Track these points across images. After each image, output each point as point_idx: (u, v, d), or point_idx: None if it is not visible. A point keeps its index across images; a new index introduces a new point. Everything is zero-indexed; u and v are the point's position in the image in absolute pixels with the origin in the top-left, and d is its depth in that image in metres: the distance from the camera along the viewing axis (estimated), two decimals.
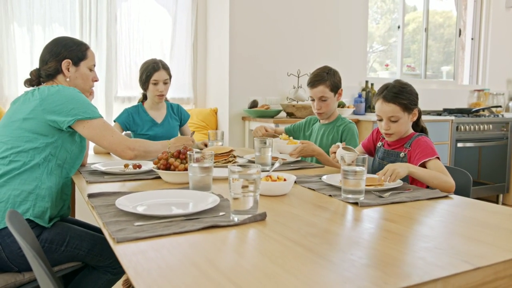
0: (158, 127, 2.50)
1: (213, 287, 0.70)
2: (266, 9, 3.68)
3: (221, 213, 1.13)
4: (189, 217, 1.09)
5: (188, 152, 1.39)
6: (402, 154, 1.77)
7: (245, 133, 3.65)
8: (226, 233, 0.99)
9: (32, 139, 1.49)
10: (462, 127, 3.98)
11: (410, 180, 1.70)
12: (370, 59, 4.71)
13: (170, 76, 2.49)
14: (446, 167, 1.67)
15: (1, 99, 3.02)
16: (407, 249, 0.90)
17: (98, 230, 1.66)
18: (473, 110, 4.29)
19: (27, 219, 1.43)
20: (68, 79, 1.66)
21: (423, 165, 1.66)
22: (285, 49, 3.79)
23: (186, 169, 1.52)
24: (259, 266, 0.79)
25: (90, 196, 1.32)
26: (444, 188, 1.52)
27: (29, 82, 1.68)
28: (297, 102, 3.54)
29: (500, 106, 4.79)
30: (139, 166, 1.74)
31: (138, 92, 2.82)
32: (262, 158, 1.83)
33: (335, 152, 1.75)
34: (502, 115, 4.35)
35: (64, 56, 1.64)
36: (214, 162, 1.83)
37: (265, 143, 1.82)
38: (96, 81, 1.77)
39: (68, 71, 1.65)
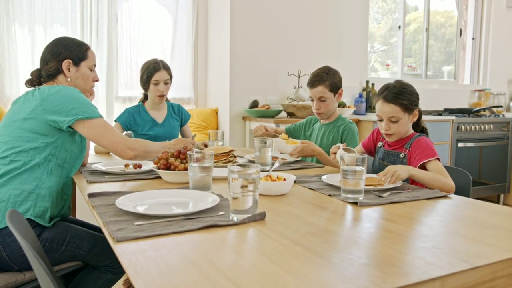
0: (159, 127, 2.50)
1: (212, 287, 0.70)
2: (267, 9, 3.68)
3: (220, 213, 1.13)
4: (189, 216, 1.09)
5: (188, 152, 1.39)
6: (402, 155, 1.77)
7: (246, 133, 3.65)
8: (226, 233, 0.99)
9: (32, 139, 1.50)
10: (463, 127, 3.98)
11: (410, 180, 1.70)
12: (371, 59, 4.71)
13: (171, 76, 2.50)
14: (446, 167, 1.67)
15: (3, 99, 3.03)
16: (406, 248, 0.90)
17: (98, 230, 1.66)
18: (474, 110, 4.29)
19: (28, 219, 1.43)
20: (68, 79, 1.66)
21: (423, 166, 1.66)
22: (286, 49, 3.79)
23: (186, 169, 1.52)
24: (258, 266, 0.79)
25: (91, 195, 1.32)
26: (444, 190, 1.51)
27: (30, 82, 1.69)
28: (298, 102, 3.54)
29: (501, 106, 4.78)
30: (140, 166, 1.74)
31: (139, 92, 2.83)
32: (262, 158, 1.83)
33: (335, 153, 1.75)
34: (503, 115, 4.35)
35: (64, 56, 1.65)
36: (214, 162, 1.83)
37: (265, 143, 1.82)
38: (96, 81, 1.77)
39: (69, 71, 1.66)
